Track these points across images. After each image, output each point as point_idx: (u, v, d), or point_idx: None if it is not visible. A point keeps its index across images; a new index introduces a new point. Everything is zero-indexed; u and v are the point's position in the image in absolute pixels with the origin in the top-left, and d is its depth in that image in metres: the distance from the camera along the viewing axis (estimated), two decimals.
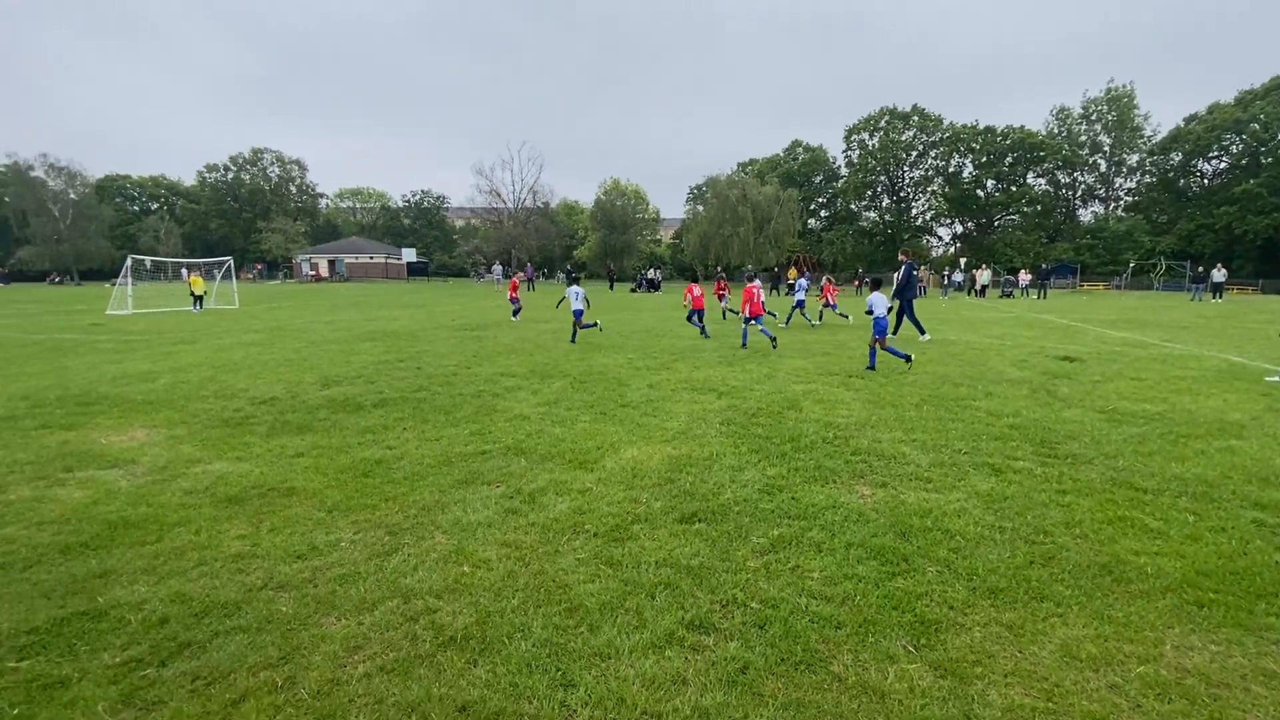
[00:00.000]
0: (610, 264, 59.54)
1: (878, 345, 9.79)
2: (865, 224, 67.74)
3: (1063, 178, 61.28)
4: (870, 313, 9.95)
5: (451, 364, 10.44)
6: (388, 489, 4.65)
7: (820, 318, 18.13)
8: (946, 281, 41.88)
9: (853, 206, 67.63)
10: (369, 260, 73.89)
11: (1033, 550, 3.70)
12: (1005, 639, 2.89)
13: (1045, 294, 35.75)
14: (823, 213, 69.86)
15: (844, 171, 67.71)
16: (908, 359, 9.84)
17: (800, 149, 70.36)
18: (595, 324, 15.27)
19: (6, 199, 72.09)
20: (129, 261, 26.91)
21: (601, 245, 67.97)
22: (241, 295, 32.48)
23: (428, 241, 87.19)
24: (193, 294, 25.17)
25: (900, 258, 15.13)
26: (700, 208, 60.55)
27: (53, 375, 9.55)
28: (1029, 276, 38.74)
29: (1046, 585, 3.32)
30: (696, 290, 15.36)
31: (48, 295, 39.30)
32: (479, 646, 2.80)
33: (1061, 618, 3.04)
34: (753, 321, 12.47)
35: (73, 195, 71.81)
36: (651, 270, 48.77)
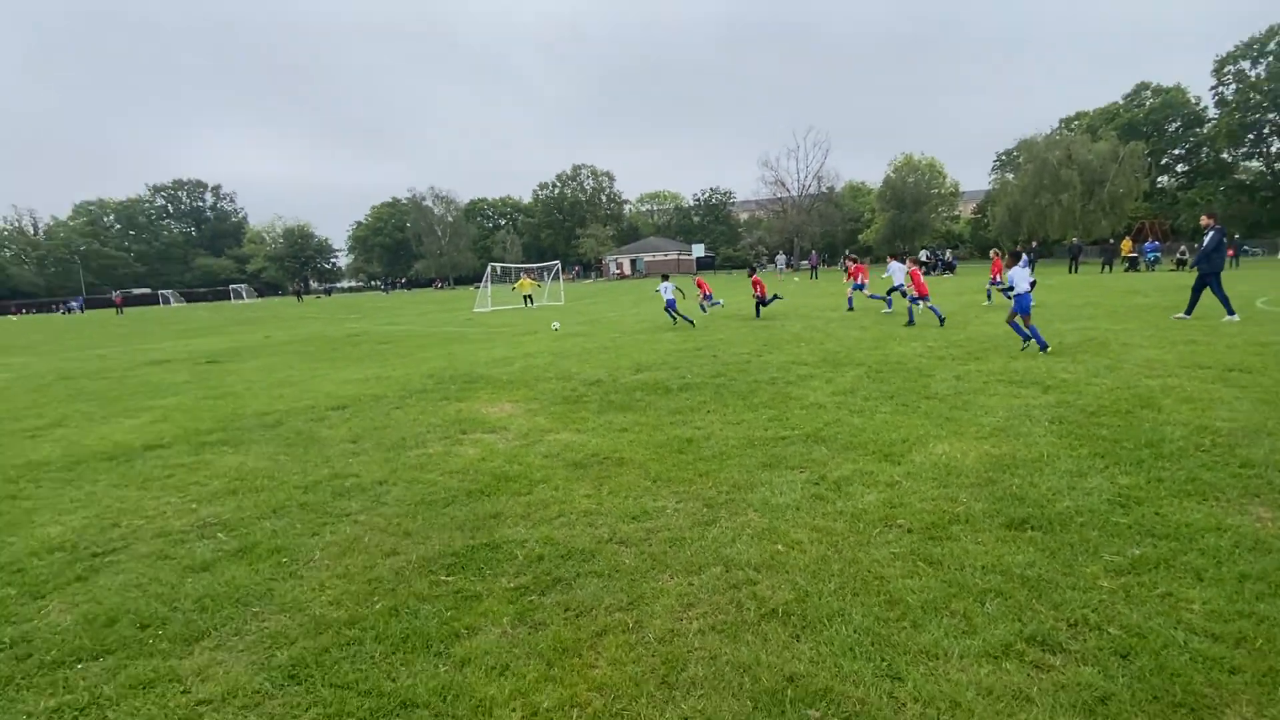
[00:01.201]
0: (900, 245, 55.32)
1: (1020, 321, 9.46)
2: (1245, 177, 52.65)
3: None
4: (1010, 290, 9.52)
5: (744, 352, 10.72)
6: (700, 465, 4.96)
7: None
8: None
9: (1225, 156, 53.06)
10: (664, 257, 79.10)
11: None
12: None
13: None
14: (1179, 167, 56.05)
15: (1212, 114, 53.39)
16: (1044, 346, 9.06)
17: (1148, 92, 57.15)
18: (776, 296, 17.22)
19: (408, 224, 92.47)
20: (488, 269, 32.69)
21: (890, 226, 63.42)
22: (565, 293, 37.26)
23: (714, 236, 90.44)
24: (523, 295, 29.66)
25: (1205, 221, 12.35)
26: (1010, 175, 52.58)
27: (445, 359, 12.04)
28: None
29: None
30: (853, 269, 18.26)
31: (434, 298, 49.75)
32: (800, 623, 2.85)
33: None
34: (920, 302, 13.30)
35: (450, 218, 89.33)
36: (947, 250, 44.08)
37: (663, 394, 7.69)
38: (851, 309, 17.45)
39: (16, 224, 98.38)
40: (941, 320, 13.01)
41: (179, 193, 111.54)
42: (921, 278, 13.82)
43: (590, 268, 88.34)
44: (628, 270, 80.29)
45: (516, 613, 3.05)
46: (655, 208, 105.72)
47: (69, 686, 2.68)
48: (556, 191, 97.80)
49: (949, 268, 38.15)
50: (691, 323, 16.35)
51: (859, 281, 18.52)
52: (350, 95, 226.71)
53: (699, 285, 19.40)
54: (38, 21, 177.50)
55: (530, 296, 29.86)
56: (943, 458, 4.82)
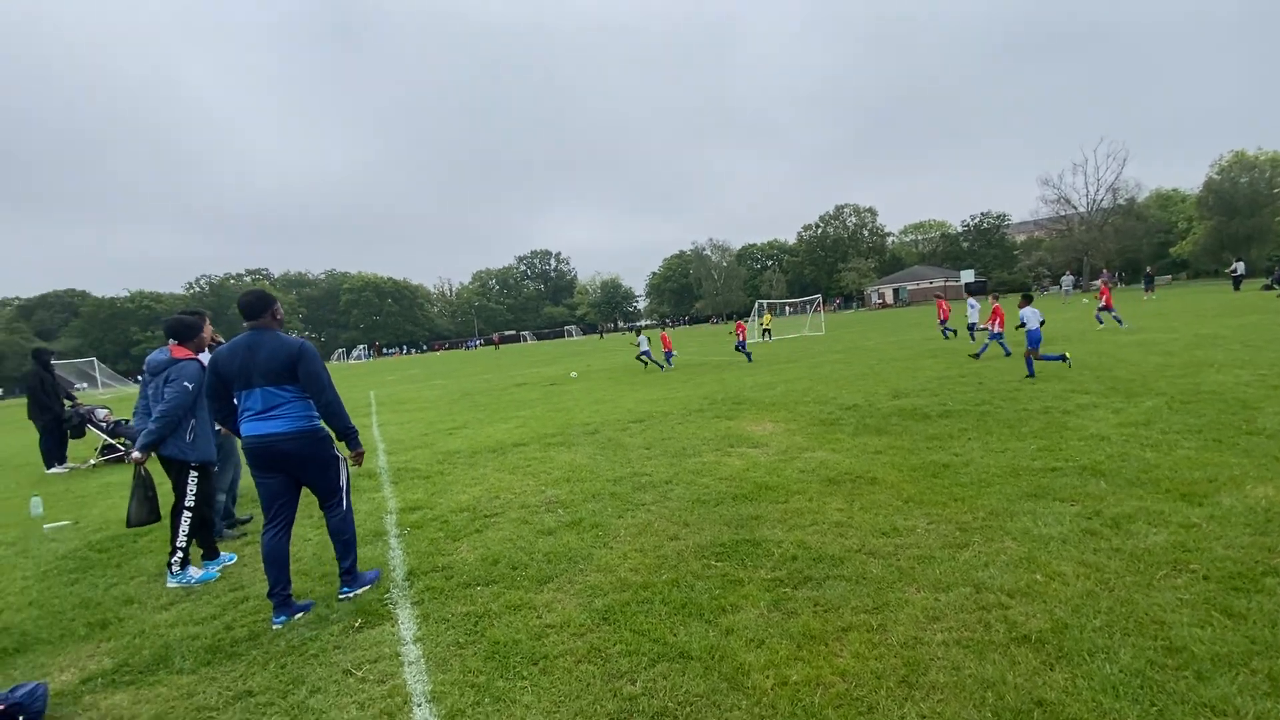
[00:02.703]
0: (1228, 257, 42.02)
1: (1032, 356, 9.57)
2: None
3: None
4: (1022, 326, 9.85)
5: (1014, 379, 9.32)
6: (955, 490, 4.55)
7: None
8: None
9: None
10: (928, 284, 71.65)
11: None
12: None
13: None
14: None
15: None
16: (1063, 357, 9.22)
17: None
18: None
19: (691, 270, 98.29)
20: (755, 305, 33.24)
21: (1213, 236, 48.64)
22: (826, 323, 36.00)
23: (985, 261, 78.99)
24: (763, 328, 29.16)
25: None
26: None
27: (718, 384, 12.63)
28: None
29: None
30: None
31: (710, 332, 51.99)
32: (1055, 653, 2.52)
33: None
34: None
35: (724, 263, 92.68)
36: None
37: (920, 420, 7.14)
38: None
39: (440, 288, 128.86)
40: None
41: (534, 260, 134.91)
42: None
43: (851, 298, 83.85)
44: (890, 299, 74.33)
45: (772, 600, 3.21)
46: (920, 237, 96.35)
47: (473, 600, 3.57)
48: (819, 231, 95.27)
49: None
50: (661, 367, 16.92)
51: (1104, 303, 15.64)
52: (648, 165, 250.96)
53: (664, 340, 18.24)
54: (445, 144, 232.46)
55: (769, 330, 29.34)
56: (1262, 501, 3.71)
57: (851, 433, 6.80)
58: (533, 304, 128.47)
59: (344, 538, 3.79)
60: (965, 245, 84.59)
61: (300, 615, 3.58)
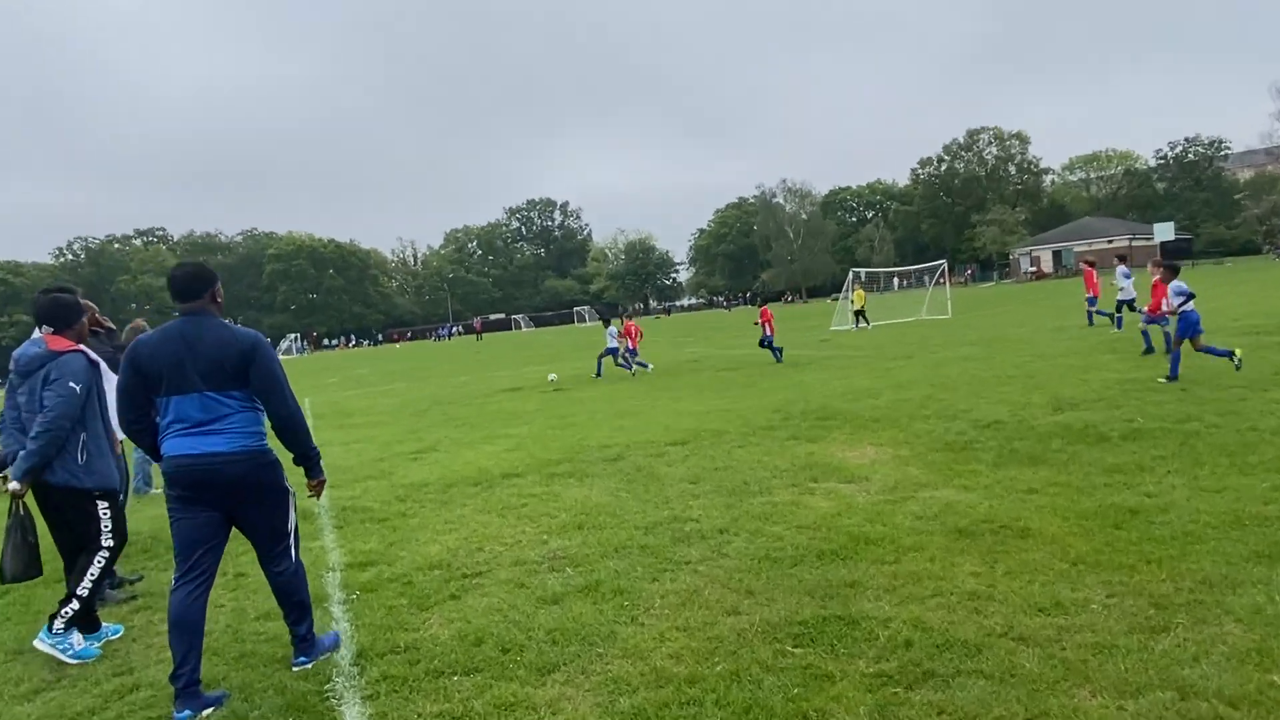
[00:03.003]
0: None
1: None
2: None
3: None
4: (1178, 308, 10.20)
5: (1237, 385, 9.05)
6: (1149, 548, 4.42)
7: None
8: None
9: None
10: (1106, 245, 69.93)
11: None
12: None
13: None
14: None
15: None
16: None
17: None
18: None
19: (754, 227, 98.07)
20: (849, 276, 32.93)
21: None
22: (953, 302, 35.44)
23: (1192, 209, 76.83)
24: (854, 310, 28.53)
25: None
26: None
27: (795, 390, 12.59)
28: None
29: None
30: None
31: (783, 314, 51.82)
32: None
33: None
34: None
35: (803, 215, 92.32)
36: None
37: (1095, 443, 7.03)
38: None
39: (400, 255, 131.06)
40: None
41: (531, 213, 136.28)
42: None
43: (990, 266, 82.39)
44: (1047, 266, 72.85)
45: (876, 704, 3.16)
46: (1092, 175, 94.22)
47: (447, 696, 3.61)
48: (943, 168, 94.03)
49: None
50: (646, 366, 17.95)
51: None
52: (695, 87, 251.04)
53: (627, 332, 18.30)
54: (408, 56, 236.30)
55: (862, 313, 28.58)
56: None
57: (992, 462, 6.71)
58: (529, 275, 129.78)
59: (296, 598, 4.00)
60: (1160, 187, 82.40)
61: (210, 711, 3.65)
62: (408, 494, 7.75)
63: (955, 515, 5.35)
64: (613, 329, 18.62)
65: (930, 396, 10.53)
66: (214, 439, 3.65)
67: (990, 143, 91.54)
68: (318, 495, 4.09)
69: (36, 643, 4.40)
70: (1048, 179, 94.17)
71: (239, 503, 3.78)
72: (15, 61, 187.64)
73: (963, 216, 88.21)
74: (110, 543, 4.58)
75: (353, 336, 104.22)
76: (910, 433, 8.27)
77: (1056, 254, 73.06)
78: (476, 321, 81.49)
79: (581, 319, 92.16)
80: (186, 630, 3.67)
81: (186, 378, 3.62)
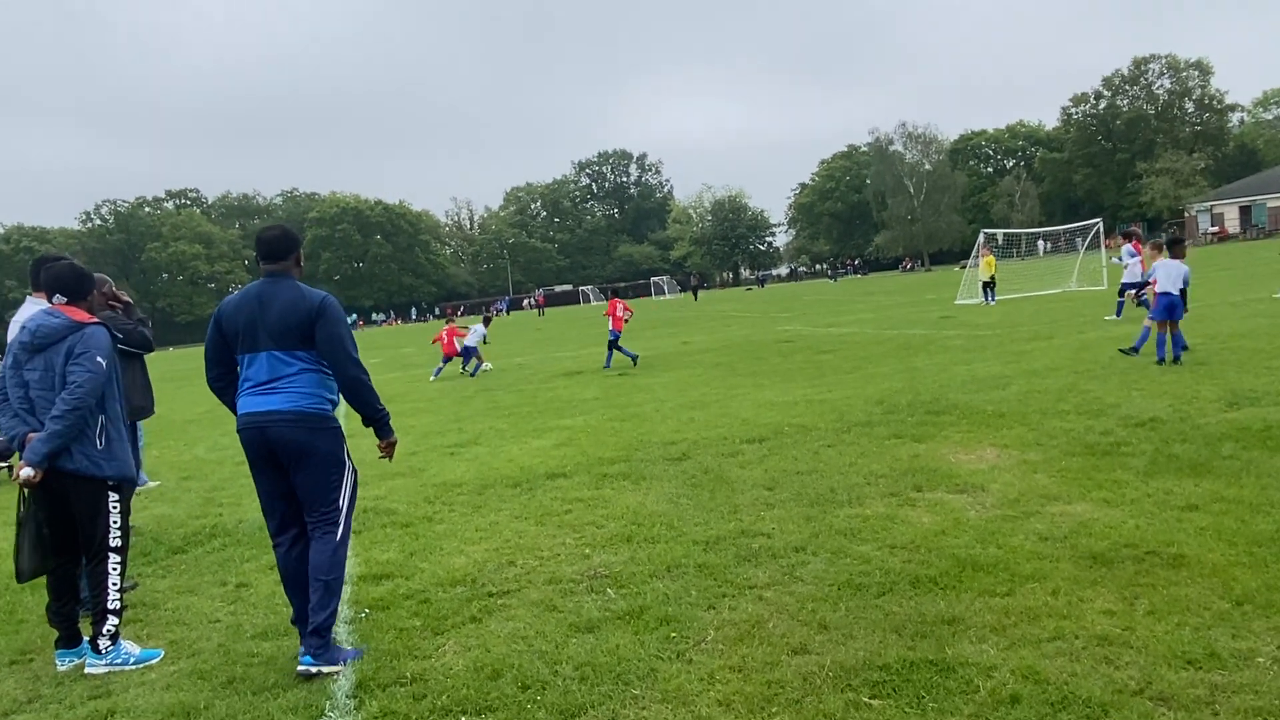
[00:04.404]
0: None
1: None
2: None
3: None
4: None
5: None
6: None
7: None
8: None
9: None
10: None
11: None
12: None
13: None
14: None
15: None
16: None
17: None
18: None
19: (868, 181, 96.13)
20: (979, 239, 31.87)
21: None
22: (1108, 271, 33.96)
23: None
24: (983, 280, 27.39)
25: None
26: None
27: (903, 377, 12.29)
28: None
29: None
30: None
31: (899, 284, 50.76)
32: None
33: None
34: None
35: (927, 166, 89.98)
36: None
37: (1276, 450, 6.67)
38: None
39: (455, 218, 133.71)
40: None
41: (602, 168, 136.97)
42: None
43: (1158, 224, 78.73)
44: (1232, 225, 69.17)
45: None
46: None
47: None
48: (1102, 106, 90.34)
49: None
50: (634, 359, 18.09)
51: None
52: (795, 11, 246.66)
53: (612, 311, 18.06)
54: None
55: (991, 284, 27.45)
56: None
57: (1143, 470, 6.44)
58: (600, 240, 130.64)
59: (327, 577, 4.31)
60: None
61: (336, 667, 4.25)
62: (438, 495, 7.86)
63: (1090, 537, 5.11)
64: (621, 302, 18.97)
65: (1071, 386, 10.23)
66: (273, 398, 4.21)
67: (1162, 74, 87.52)
68: (389, 456, 4.64)
69: (89, 669, 4.63)
70: (1235, 118, 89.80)
71: (290, 463, 4.26)
72: (38, 6, 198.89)
73: (1125, 165, 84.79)
74: (118, 543, 4.76)
75: (396, 312, 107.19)
76: (1042, 431, 8.00)
77: (1244, 210, 69.37)
78: (538, 294, 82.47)
79: (659, 291, 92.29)
80: (290, 582, 4.42)
81: (257, 337, 4.24)
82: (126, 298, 7.06)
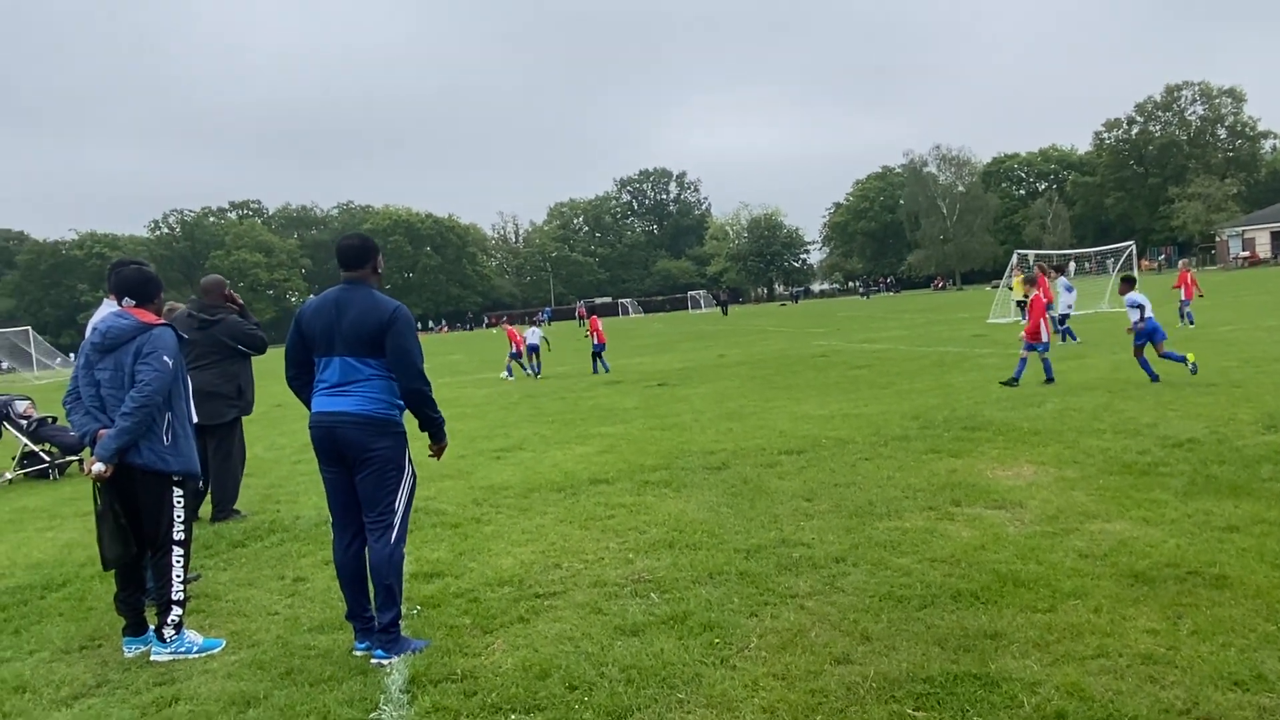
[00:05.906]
0: None
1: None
2: None
3: None
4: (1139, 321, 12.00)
5: None
6: None
7: None
8: None
9: None
10: None
11: None
12: None
13: None
14: None
15: None
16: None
17: None
18: None
19: (902, 201, 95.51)
20: (1013, 259, 31.44)
21: None
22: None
23: None
24: (1015, 300, 26.94)
25: None
26: None
27: (939, 393, 12.14)
28: None
29: None
30: None
31: (931, 302, 50.20)
32: None
33: None
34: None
35: (960, 187, 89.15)
36: None
37: None
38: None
39: (501, 232, 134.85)
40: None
41: (643, 185, 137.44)
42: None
43: (1189, 247, 77.27)
44: (1264, 250, 67.64)
45: None
46: None
47: None
48: (1135, 131, 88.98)
49: None
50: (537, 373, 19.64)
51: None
52: (835, 34, 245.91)
53: (510, 337, 19.85)
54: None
55: (1024, 304, 27.00)
56: None
57: (1182, 491, 6.30)
58: (640, 255, 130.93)
59: (387, 580, 4.42)
60: None
61: (396, 659, 4.32)
62: (485, 497, 7.88)
63: (1131, 555, 4.99)
64: (536, 330, 21.65)
65: (1107, 406, 10.06)
66: (343, 400, 4.34)
67: (1194, 100, 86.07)
68: (438, 457, 4.84)
69: (154, 656, 4.70)
70: (1268, 144, 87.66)
71: (353, 463, 4.37)
72: (111, 19, 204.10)
73: (1157, 189, 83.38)
74: (181, 536, 4.84)
75: (446, 321, 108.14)
76: (1079, 450, 7.86)
77: (1276, 235, 67.75)
78: (581, 306, 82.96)
79: (696, 304, 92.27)
80: (348, 577, 4.52)
81: (332, 342, 4.36)
82: (239, 300, 7.66)
